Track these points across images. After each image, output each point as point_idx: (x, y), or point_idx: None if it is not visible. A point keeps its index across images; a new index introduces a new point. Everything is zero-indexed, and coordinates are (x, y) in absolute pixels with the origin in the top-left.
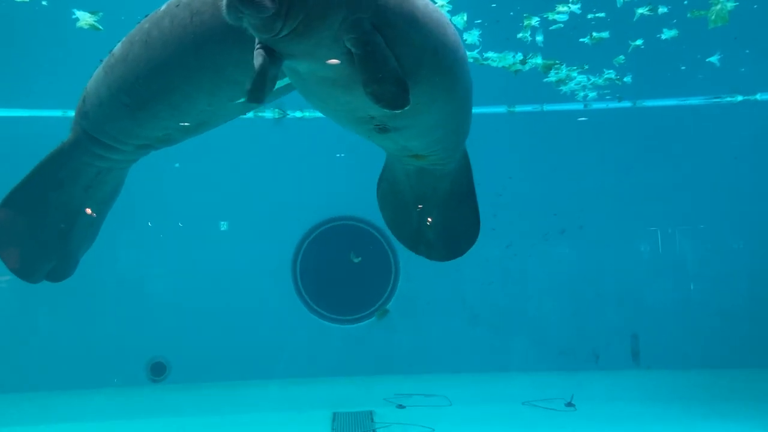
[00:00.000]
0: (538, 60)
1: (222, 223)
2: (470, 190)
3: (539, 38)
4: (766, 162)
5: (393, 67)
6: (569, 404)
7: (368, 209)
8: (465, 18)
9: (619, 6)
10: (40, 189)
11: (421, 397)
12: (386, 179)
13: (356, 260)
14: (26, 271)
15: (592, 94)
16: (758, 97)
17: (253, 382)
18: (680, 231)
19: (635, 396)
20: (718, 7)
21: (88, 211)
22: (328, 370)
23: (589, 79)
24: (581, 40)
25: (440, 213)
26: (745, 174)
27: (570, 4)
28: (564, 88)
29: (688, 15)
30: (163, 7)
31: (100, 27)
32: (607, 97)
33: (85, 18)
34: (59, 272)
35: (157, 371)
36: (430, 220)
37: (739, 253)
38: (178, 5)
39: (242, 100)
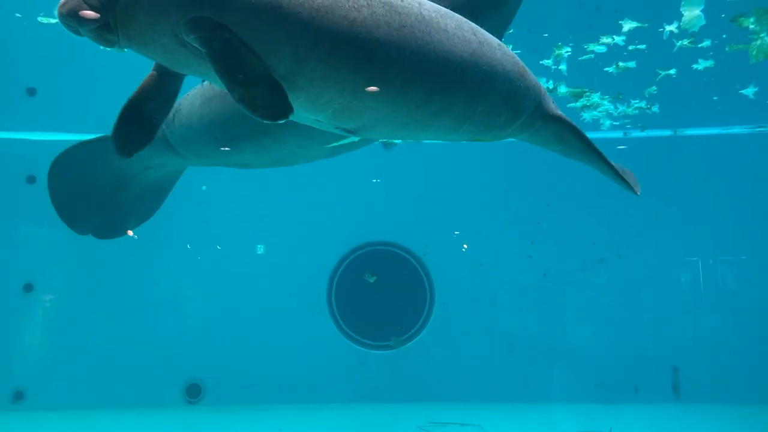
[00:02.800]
0: (563, 88)
1: (259, 246)
2: (587, 147)
3: (563, 67)
4: None
5: (256, 68)
6: None
7: (404, 235)
8: (510, 48)
9: (665, 38)
10: (100, 152)
11: (456, 426)
12: None
13: (371, 279)
14: (73, 219)
15: (607, 123)
16: None
17: (287, 406)
18: (721, 262)
19: (675, 430)
20: (759, 42)
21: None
22: (362, 396)
23: (617, 108)
24: (606, 69)
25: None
26: None
27: (614, 36)
28: (586, 116)
29: (727, 49)
30: None
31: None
32: (628, 126)
33: None
34: (105, 230)
35: (193, 393)
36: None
37: None
38: None
39: (334, 144)
